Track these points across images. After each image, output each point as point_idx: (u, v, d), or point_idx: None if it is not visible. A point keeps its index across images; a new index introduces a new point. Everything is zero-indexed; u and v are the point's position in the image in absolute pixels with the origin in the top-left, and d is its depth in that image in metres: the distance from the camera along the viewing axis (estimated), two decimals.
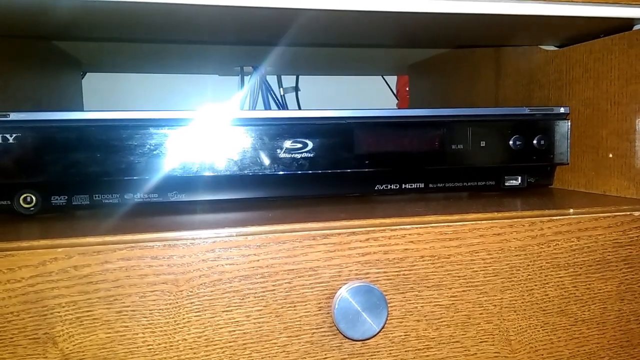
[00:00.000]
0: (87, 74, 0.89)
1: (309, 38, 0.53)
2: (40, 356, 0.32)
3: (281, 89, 0.98)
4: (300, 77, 1.00)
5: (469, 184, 0.49)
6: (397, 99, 1.05)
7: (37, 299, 0.31)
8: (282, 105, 0.97)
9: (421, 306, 0.37)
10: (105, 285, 0.32)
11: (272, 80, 0.95)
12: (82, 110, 0.41)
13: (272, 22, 0.43)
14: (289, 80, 0.99)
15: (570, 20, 0.42)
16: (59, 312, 0.32)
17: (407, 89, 1.01)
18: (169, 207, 0.45)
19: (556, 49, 0.56)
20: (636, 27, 0.45)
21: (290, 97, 1.00)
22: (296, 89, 1.01)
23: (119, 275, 0.32)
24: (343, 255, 0.36)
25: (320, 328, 0.35)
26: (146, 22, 0.43)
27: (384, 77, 1.05)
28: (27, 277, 0.31)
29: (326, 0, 0.35)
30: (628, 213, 0.40)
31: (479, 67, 0.70)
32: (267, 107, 0.94)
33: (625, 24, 0.45)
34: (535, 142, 0.49)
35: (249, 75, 0.92)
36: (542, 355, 0.39)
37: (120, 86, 0.92)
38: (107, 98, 0.91)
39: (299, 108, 1.00)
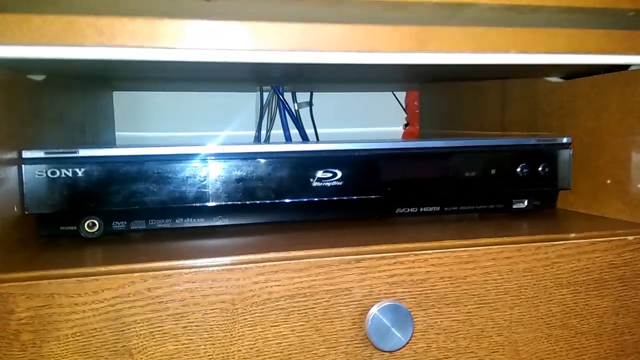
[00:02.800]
0: (114, 92, 0.95)
1: (323, 77, 0.58)
2: None
3: (296, 104, 1.03)
4: (313, 93, 1.05)
5: (480, 207, 0.55)
6: (406, 113, 1.10)
7: (117, 316, 0.37)
8: (297, 120, 1.02)
9: (441, 321, 0.42)
10: (173, 304, 0.37)
11: (287, 95, 1.00)
12: (141, 146, 0.46)
13: (287, 69, 0.47)
14: (303, 96, 1.04)
15: (575, 65, 0.47)
16: (134, 328, 0.37)
17: (416, 103, 1.06)
18: (215, 231, 0.50)
19: (561, 80, 0.61)
20: (631, 68, 0.51)
21: (304, 112, 1.05)
22: (310, 104, 1.06)
23: (185, 295, 0.38)
24: (373, 277, 0.41)
25: (354, 341, 0.41)
26: (188, 68, 0.49)
27: (394, 92, 1.10)
28: (109, 298, 0.37)
29: (343, 56, 0.40)
30: (622, 238, 0.45)
31: (487, 91, 0.75)
32: (284, 121, 0.99)
33: (623, 65, 0.51)
34: (540, 169, 0.55)
35: (267, 93, 0.97)
36: None
37: (143, 103, 0.97)
38: (131, 114, 0.96)
39: (313, 122, 1.05)
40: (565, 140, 0.55)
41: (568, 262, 0.44)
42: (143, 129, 0.96)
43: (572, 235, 0.45)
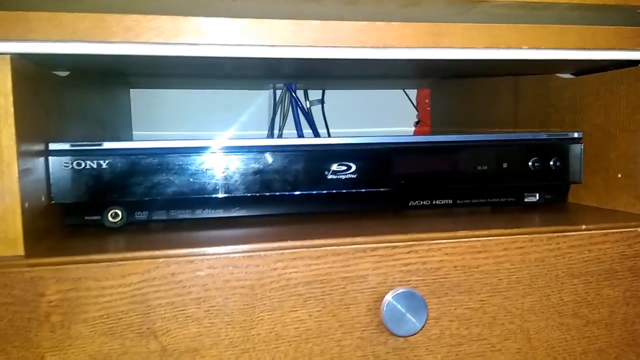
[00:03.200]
0: (130, 90, 0.97)
1: (338, 74, 0.60)
2: (143, 347, 0.39)
3: (307, 101, 1.05)
4: (325, 91, 1.07)
5: (492, 200, 0.56)
6: (417, 111, 1.11)
7: (142, 300, 0.38)
8: (309, 117, 1.03)
9: (454, 309, 0.43)
10: (196, 289, 0.39)
11: (299, 94, 1.02)
12: (162, 140, 0.48)
13: (304, 64, 0.49)
14: (315, 93, 1.06)
15: (585, 61, 0.48)
16: (159, 311, 0.39)
17: (427, 101, 1.07)
18: (233, 221, 0.51)
19: (572, 77, 0.62)
20: None
21: (316, 110, 1.06)
22: (322, 102, 1.07)
23: (207, 280, 0.39)
24: (388, 265, 0.42)
25: (369, 326, 0.42)
26: (208, 64, 0.51)
27: (405, 90, 1.11)
28: (135, 282, 0.38)
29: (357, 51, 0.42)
30: (633, 229, 0.46)
31: (499, 88, 0.76)
32: (297, 119, 1.00)
33: (633, 61, 0.51)
34: (551, 163, 0.55)
35: (280, 91, 0.99)
36: (558, 351, 0.45)
37: (158, 103, 0.99)
38: (147, 113, 0.98)
39: (325, 120, 1.07)
40: (576, 135, 0.56)
41: (579, 253, 0.45)
42: (159, 128, 0.98)
43: (584, 226, 0.46)
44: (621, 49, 0.45)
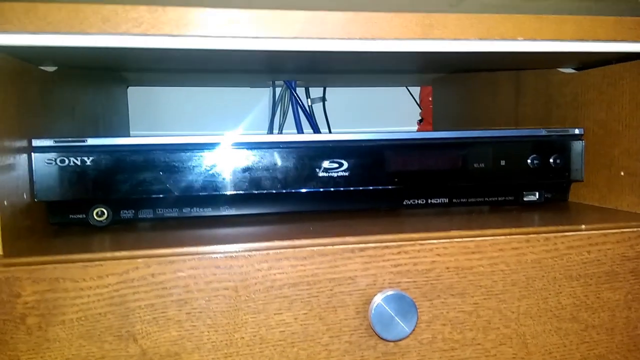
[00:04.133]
0: (129, 87, 0.96)
1: (333, 68, 0.58)
2: (122, 350, 0.37)
3: (309, 99, 1.03)
4: (327, 88, 1.05)
5: (490, 199, 0.54)
6: (421, 109, 1.09)
7: (121, 302, 0.37)
8: (310, 115, 1.02)
9: (447, 312, 0.42)
10: (177, 290, 0.38)
11: (300, 91, 1.00)
12: (148, 136, 0.47)
13: (294, 58, 0.48)
14: (316, 91, 1.04)
15: (585, 53, 0.46)
16: (138, 313, 0.37)
17: (430, 99, 1.06)
18: (221, 220, 0.50)
19: (573, 71, 0.60)
20: None
21: (317, 107, 1.05)
22: (323, 99, 1.06)
23: (188, 281, 0.38)
24: (378, 266, 0.41)
25: (358, 330, 0.41)
26: (194, 58, 0.49)
27: (408, 88, 1.09)
28: (114, 283, 0.37)
29: (353, 43, 0.40)
30: (635, 229, 0.44)
31: (500, 84, 0.74)
32: (297, 117, 0.99)
33: (635, 54, 0.49)
34: (551, 160, 0.54)
35: (280, 88, 0.97)
36: (556, 357, 0.44)
37: (157, 102, 0.98)
38: (146, 109, 0.97)
39: (326, 118, 1.05)
40: (577, 131, 0.54)
41: (578, 254, 0.43)
42: (157, 129, 0.97)
43: (583, 226, 0.44)
44: (622, 40, 0.43)
